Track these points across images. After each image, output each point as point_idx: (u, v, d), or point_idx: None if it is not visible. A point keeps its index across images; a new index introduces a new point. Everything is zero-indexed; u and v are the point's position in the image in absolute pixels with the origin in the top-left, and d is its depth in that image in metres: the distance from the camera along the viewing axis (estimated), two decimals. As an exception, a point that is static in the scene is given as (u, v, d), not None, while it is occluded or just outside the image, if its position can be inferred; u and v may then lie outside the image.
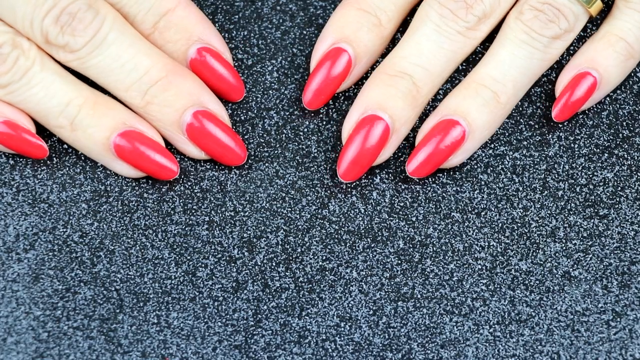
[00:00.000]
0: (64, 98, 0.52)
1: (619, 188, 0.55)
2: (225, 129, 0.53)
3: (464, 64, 0.56)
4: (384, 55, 0.56)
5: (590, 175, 0.55)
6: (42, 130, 0.55)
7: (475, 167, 0.55)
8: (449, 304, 0.53)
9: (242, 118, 0.56)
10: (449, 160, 0.53)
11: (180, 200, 0.54)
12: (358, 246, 0.53)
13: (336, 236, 0.54)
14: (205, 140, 0.53)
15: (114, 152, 0.53)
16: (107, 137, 0.53)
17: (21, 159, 0.55)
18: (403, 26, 0.57)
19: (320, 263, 0.53)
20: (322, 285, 0.53)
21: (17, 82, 0.52)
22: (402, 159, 0.55)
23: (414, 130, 0.55)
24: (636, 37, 0.54)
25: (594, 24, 0.57)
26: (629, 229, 0.54)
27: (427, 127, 0.53)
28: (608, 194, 0.54)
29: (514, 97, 0.54)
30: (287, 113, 0.56)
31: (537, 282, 0.53)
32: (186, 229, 0.54)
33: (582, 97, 0.54)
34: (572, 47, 0.57)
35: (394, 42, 0.57)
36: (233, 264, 0.53)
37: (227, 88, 0.55)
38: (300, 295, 0.53)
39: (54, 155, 0.55)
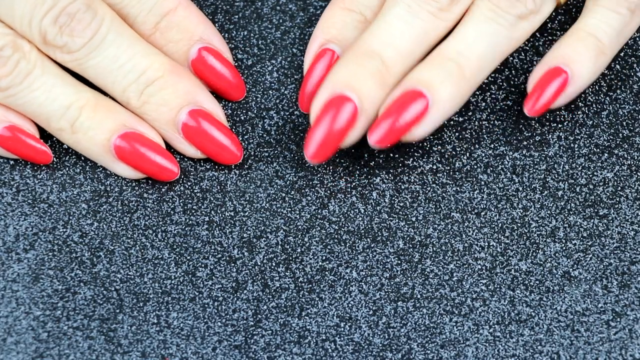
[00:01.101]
0: (65, 101, 0.52)
1: (619, 188, 0.54)
2: (220, 127, 0.53)
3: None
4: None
5: (590, 175, 0.55)
6: (41, 132, 0.55)
7: (475, 167, 0.55)
8: (448, 304, 0.53)
9: (242, 118, 0.56)
10: (412, 131, 0.52)
11: (180, 200, 0.54)
12: (358, 246, 0.53)
13: (336, 236, 0.54)
14: (200, 139, 0.53)
15: (114, 153, 0.53)
16: (107, 138, 0.53)
17: (21, 159, 0.55)
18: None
19: (320, 263, 0.53)
20: (322, 285, 0.53)
21: (18, 85, 0.52)
22: (402, 159, 0.55)
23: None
24: (605, 32, 0.54)
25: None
26: (629, 229, 0.54)
27: (390, 99, 0.53)
28: (608, 194, 0.54)
29: (479, 71, 0.53)
30: (287, 113, 0.56)
31: (537, 282, 0.53)
32: (186, 229, 0.54)
33: (554, 93, 0.54)
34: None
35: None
36: (233, 264, 0.53)
37: (228, 87, 0.55)
38: (300, 295, 0.53)
39: (53, 155, 0.55)
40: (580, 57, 0.54)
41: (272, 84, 0.56)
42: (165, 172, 0.53)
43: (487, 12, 0.53)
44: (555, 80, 0.54)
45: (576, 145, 0.55)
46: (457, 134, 0.55)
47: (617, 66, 0.57)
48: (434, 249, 0.53)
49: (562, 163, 0.55)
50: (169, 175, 0.54)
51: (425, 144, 0.56)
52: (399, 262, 0.53)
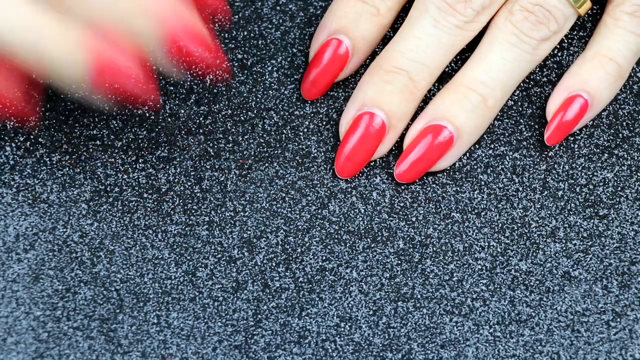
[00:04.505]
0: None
1: (619, 188, 0.55)
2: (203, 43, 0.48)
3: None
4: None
5: (590, 175, 0.55)
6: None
7: (475, 167, 0.55)
8: (449, 304, 0.53)
9: (242, 118, 0.56)
10: (436, 164, 0.53)
11: (180, 200, 0.54)
12: (358, 246, 0.53)
13: (336, 236, 0.54)
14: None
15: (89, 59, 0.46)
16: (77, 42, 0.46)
17: (21, 159, 0.55)
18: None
19: (320, 263, 0.53)
20: (322, 286, 0.53)
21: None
22: (402, 159, 0.55)
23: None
24: (626, 57, 0.53)
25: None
26: (629, 229, 0.54)
27: (414, 131, 0.53)
28: (608, 194, 0.54)
29: (502, 100, 0.53)
30: (287, 113, 0.56)
31: (537, 282, 0.53)
32: (186, 229, 0.54)
33: (573, 119, 0.53)
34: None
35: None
36: (233, 264, 0.53)
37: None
38: (300, 296, 0.53)
39: (53, 155, 0.55)
40: (601, 84, 0.53)
41: (272, 84, 0.56)
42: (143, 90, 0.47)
43: (510, 37, 0.53)
44: (575, 107, 0.53)
45: (576, 145, 0.55)
46: (457, 134, 0.55)
47: (617, 66, 0.57)
48: (434, 249, 0.53)
49: (562, 163, 0.55)
50: (148, 92, 0.48)
51: (425, 144, 0.56)
52: (399, 262, 0.53)
